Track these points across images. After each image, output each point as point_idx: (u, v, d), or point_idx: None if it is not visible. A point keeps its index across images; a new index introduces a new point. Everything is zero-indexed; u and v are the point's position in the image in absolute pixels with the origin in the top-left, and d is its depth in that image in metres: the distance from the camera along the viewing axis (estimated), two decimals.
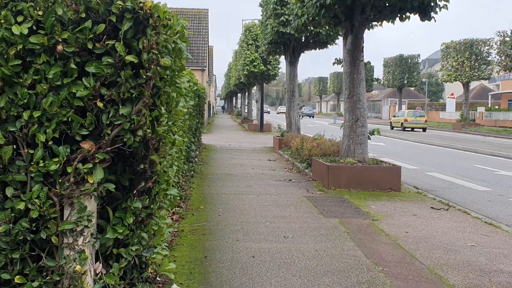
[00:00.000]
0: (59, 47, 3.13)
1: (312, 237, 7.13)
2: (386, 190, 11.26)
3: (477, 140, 30.78)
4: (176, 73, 3.87)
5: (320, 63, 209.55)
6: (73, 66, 3.17)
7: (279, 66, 38.46)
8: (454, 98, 52.64)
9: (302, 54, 21.38)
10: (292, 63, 21.03)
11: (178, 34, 3.77)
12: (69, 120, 3.19)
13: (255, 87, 46.06)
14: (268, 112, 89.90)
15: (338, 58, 13.15)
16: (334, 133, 18.19)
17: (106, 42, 3.21)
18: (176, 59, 3.76)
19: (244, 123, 44.62)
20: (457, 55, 44.70)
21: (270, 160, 17.31)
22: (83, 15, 3.18)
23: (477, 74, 43.14)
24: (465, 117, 44.92)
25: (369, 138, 12.31)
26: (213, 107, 76.50)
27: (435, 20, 11.20)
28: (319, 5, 11.26)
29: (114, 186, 3.40)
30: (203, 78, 38.38)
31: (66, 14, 3.16)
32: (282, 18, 18.54)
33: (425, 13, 11.11)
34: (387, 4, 11.45)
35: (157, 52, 3.33)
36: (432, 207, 9.59)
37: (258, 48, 36.63)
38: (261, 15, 22.61)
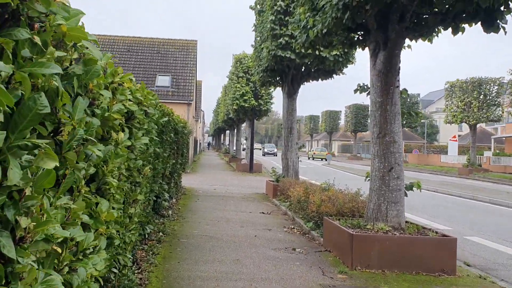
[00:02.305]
0: None
1: None
2: (436, 273, 7.79)
3: (495, 189, 27.40)
4: None
5: (309, 100, 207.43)
6: None
7: (271, 101, 35.33)
8: (456, 140, 49.63)
9: (302, 85, 18.12)
10: (291, 95, 17.71)
11: None
12: None
13: (244, 124, 42.75)
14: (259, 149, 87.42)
15: (362, 84, 9.79)
16: (332, 177, 14.75)
17: None
18: None
19: (232, 162, 41.10)
20: (463, 95, 41.67)
21: (263, 213, 13.78)
22: None
23: (485, 116, 40.01)
24: (472, 161, 41.64)
25: (405, 195, 8.89)
26: (200, 144, 73.28)
27: (504, 32, 7.94)
28: (341, 7, 7.96)
29: None
30: (189, 113, 35.06)
31: None
32: (281, 40, 15.28)
33: (492, 22, 7.85)
34: (435, 10, 8.22)
35: None
36: None
37: (249, 81, 33.60)
38: (255, 41, 19.43)
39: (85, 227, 3.34)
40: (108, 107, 3.29)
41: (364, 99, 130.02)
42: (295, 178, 17.37)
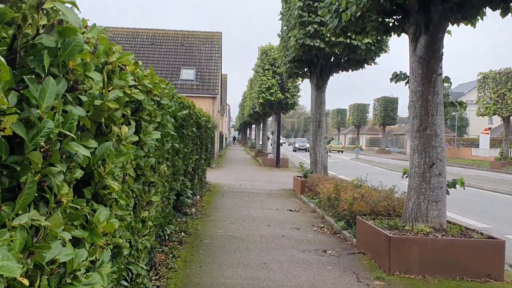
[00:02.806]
0: None
1: None
2: (482, 279, 7.05)
3: None
4: None
5: (335, 94, 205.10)
6: None
7: (298, 94, 34.56)
8: (488, 133, 48.11)
9: (331, 77, 17.34)
10: (319, 86, 16.96)
11: None
12: None
13: (270, 118, 42.03)
14: (281, 144, 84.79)
15: (399, 72, 9.02)
16: (361, 172, 13.99)
17: None
18: None
19: (258, 157, 40.46)
20: (496, 86, 40.23)
21: (291, 210, 13.12)
22: None
23: None
24: (505, 155, 40.18)
25: (447, 193, 8.13)
26: (226, 138, 72.86)
27: None
28: None
29: None
30: (214, 107, 34.52)
31: None
32: (309, 27, 14.53)
33: None
34: None
35: None
36: None
37: (275, 73, 32.86)
38: (281, 30, 18.71)
39: (79, 242, 2.75)
40: (103, 94, 2.68)
41: (394, 91, 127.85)
42: (324, 174, 16.66)
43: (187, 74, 35.53)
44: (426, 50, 7.91)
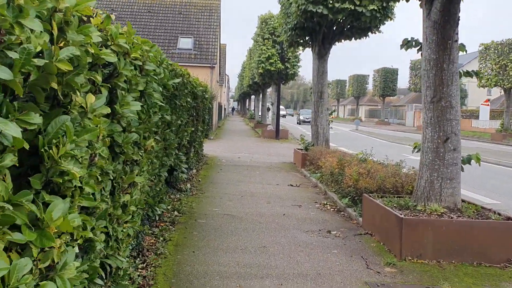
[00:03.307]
0: None
1: None
2: (501, 264, 6.47)
3: None
4: None
5: (334, 64, 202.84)
6: None
7: (298, 64, 33.72)
8: (488, 105, 47.27)
9: (333, 45, 16.55)
10: (322, 55, 16.18)
11: None
12: None
13: (270, 88, 41.18)
14: (284, 116, 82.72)
15: (411, 39, 8.26)
16: (362, 144, 13.35)
17: None
18: None
19: (258, 128, 39.73)
20: (498, 57, 39.30)
21: (292, 185, 12.50)
22: None
23: None
24: (506, 127, 39.46)
25: (461, 169, 7.49)
26: (225, 109, 72.02)
27: None
28: None
29: None
30: (212, 77, 33.70)
31: None
32: None
33: None
34: None
35: None
36: None
37: (275, 43, 31.97)
38: None
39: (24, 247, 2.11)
40: (53, 52, 2.00)
41: (394, 62, 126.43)
42: (326, 147, 16.01)
43: (185, 43, 34.63)
44: (442, 14, 7.18)
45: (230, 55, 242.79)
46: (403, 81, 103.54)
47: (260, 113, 48.88)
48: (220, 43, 41.50)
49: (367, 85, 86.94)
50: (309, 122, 62.07)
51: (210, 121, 26.10)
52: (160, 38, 34.50)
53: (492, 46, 40.62)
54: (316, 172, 13.54)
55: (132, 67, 3.49)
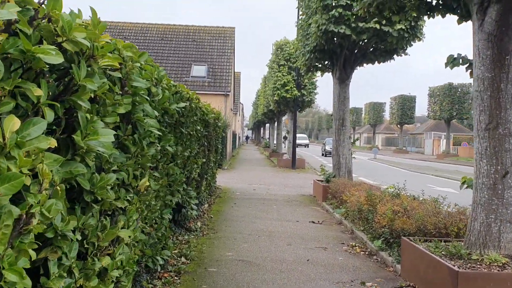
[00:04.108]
0: None
1: None
2: None
3: None
4: None
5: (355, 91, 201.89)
6: None
7: (315, 91, 32.69)
8: None
9: (355, 70, 15.45)
10: (343, 80, 15.07)
11: None
12: None
13: (285, 116, 40.09)
14: (307, 146, 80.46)
15: (457, 55, 7.10)
16: (382, 173, 12.12)
17: None
18: None
19: (273, 157, 38.54)
20: None
21: (314, 222, 11.27)
22: None
23: None
24: None
25: None
26: (239, 137, 71.03)
27: None
28: None
29: None
30: (226, 105, 32.71)
31: None
32: (333, 12, 12.62)
33: None
34: None
35: None
36: None
37: (291, 69, 31.01)
38: (299, 19, 16.90)
39: None
40: None
41: (412, 90, 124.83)
42: (348, 178, 14.77)
43: (198, 70, 33.79)
44: (498, 25, 6.04)
45: (244, 83, 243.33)
46: (421, 108, 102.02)
47: (275, 142, 47.72)
48: (234, 71, 40.67)
49: (383, 113, 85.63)
50: None
51: (223, 150, 25.02)
52: (173, 65, 33.76)
53: None
54: (340, 207, 12.29)
55: (105, 79, 2.37)
